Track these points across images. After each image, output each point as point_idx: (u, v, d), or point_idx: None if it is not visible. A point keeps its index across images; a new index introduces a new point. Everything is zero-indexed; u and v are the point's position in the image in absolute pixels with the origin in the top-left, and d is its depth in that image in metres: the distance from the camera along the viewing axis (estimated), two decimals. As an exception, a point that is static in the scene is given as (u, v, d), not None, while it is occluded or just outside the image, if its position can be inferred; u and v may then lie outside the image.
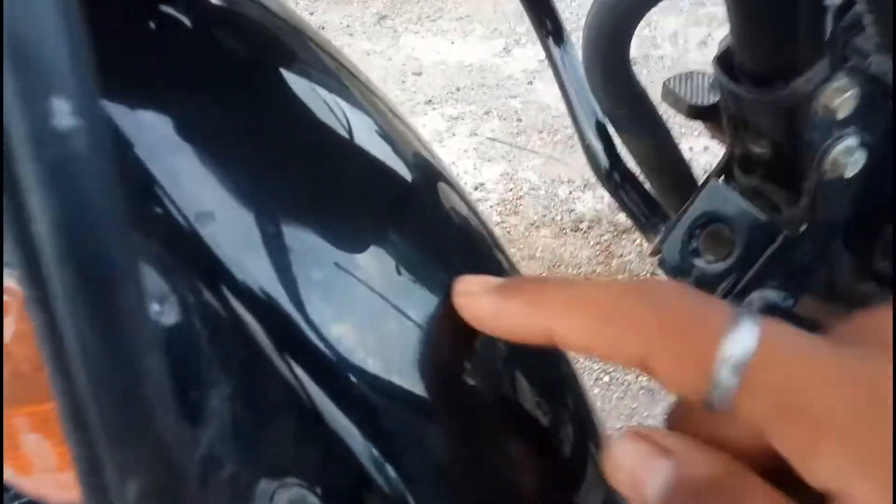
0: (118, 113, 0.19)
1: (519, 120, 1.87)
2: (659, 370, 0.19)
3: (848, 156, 0.45)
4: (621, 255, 1.39)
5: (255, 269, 0.19)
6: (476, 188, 1.62)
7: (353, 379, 0.22)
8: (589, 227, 1.48)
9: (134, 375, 0.11)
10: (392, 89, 2.07)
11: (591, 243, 1.44)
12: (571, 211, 1.52)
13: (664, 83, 0.85)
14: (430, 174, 0.28)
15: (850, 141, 0.46)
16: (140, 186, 0.18)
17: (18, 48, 0.10)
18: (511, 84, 2.05)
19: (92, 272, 0.11)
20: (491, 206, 1.57)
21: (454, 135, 1.84)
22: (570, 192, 1.59)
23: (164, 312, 0.17)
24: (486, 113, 1.93)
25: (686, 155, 1.66)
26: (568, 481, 0.29)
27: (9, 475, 0.21)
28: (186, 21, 0.25)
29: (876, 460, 0.16)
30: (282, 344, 0.19)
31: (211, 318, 0.18)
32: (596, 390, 1.13)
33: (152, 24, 0.23)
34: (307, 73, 0.27)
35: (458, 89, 2.05)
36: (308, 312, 0.20)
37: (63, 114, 0.10)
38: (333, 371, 0.21)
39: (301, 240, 0.21)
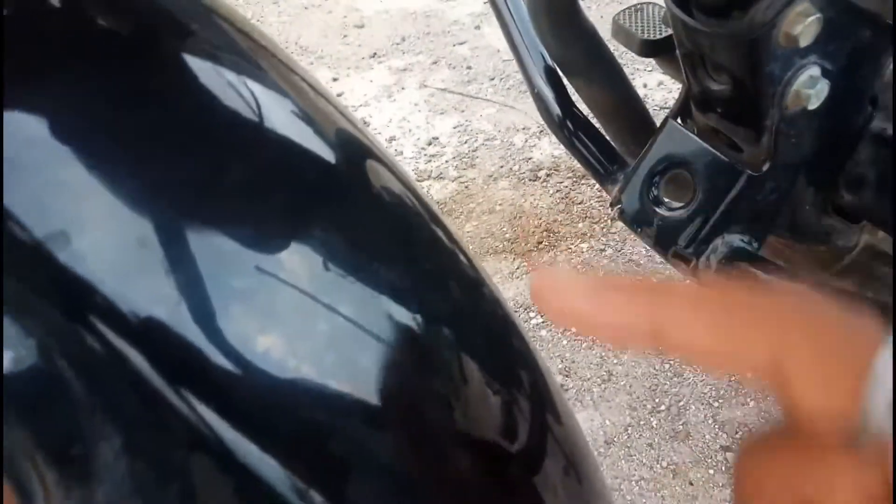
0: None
1: (469, 67, 1.81)
2: (797, 383, 0.15)
3: (811, 86, 0.43)
4: (582, 202, 1.38)
5: (137, 290, 0.16)
6: (430, 143, 1.58)
7: (281, 398, 0.19)
8: (548, 175, 1.45)
9: None
10: (334, 44, 1.99)
11: (551, 192, 1.41)
12: (529, 159, 1.49)
13: (614, 19, 0.81)
14: (356, 153, 0.24)
15: (813, 70, 0.43)
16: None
17: None
18: (458, 30, 1.98)
19: None
20: (447, 161, 1.53)
21: (403, 88, 1.78)
22: (526, 140, 1.55)
23: (19, 360, 0.14)
24: (435, 63, 1.86)
25: (641, 92, 1.63)
26: (529, 457, 0.27)
27: None
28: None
29: None
30: (177, 376, 0.16)
31: (83, 358, 0.15)
32: (565, 342, 1.12)
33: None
34: (206, 52, 0.23)
35: (404, 39, 1.97)
36: (210, 330, 0.17)
37: None
38: (252, 397, 0.18)
39: (199, 246, 0.18)
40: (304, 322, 0.21)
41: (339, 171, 0.23)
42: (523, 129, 1.58)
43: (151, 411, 0.16)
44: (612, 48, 0.71)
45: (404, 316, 0.23)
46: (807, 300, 0.16)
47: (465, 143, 1.57)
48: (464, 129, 1.61)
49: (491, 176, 1.47)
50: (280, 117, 0.22)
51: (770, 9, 0.39)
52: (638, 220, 0.54)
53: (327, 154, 0.23)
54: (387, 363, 0.22)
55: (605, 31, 0.74)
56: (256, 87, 0.22)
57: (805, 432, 0.16)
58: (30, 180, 0.15)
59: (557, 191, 1.41)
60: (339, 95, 1.78)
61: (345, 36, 2.03)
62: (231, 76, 0.22)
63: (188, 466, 0.16)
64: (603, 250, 1.26)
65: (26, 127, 0.16)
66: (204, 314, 0.17)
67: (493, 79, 1.75)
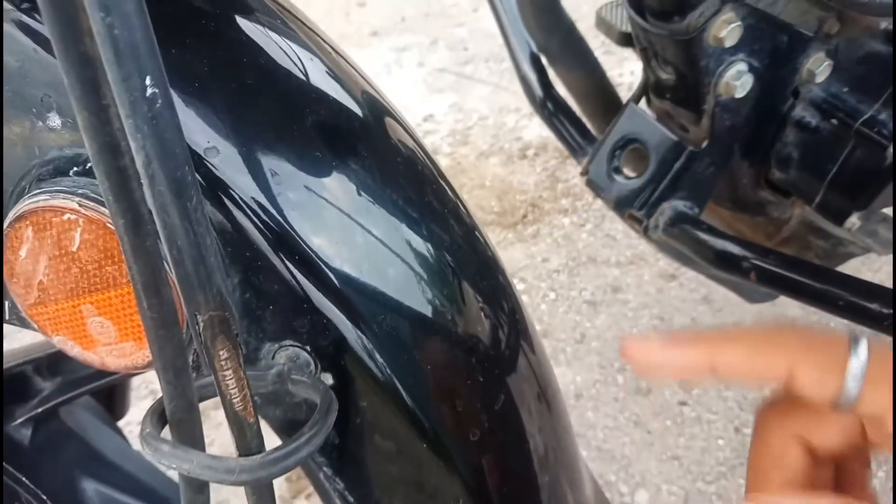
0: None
1: (465, 49, 1.90)
2: (803, 379, 0.25)
3: (737, 78, 0.53)
4: (566, 181, 1.47)
5: (249, 189, 0.26)
6: (425, 119, 1.67)
7: (331, 276, 0.29)
8: (535, 155, 1.55)
9: (200, 249, 0.18)
10: (337, 22, 2.07)
11: (538, 170, 1.51)
12: (519, 139, 1.59)
13: (597, 11, 0.90)
14: (378, 110, 0.34)
15: (740, 66, 0.53)
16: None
17: (117, 46, 0.16)
18: (456, 12, 2.06)
19: (172, 184, 0.17)
20: (441, 138, 1.63)
21: (402, 67, 1.86)
22: (518, 121, 1.65)
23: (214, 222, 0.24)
24: (433, 43, 1.95)
25: (629, 78, 1.72)
26: (504, 367, 0.36)
27: (75, 352, 0.28)
28: None
29: None
30: (274, 246, 0.26)
31: (220, 225, 0.25)
32: (543, 307, 1.23)
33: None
34: (270, 25, 0.33)
35: (404, 19, 2.06)
36: (292, 224, 0.27)
37: (149, 87, 0.16)
38: (316, 269, 0.28)
39: (279, 167, 0.28)
40: (344, 232, 0.30)
41: (368, 124, 0.32)
42: (515, 110, 1.67)
43: (258, 263, 0.26)
44: (600, 38, 0.80)
45: (417, 241, 0.33)
46: (797, 329, 0.27)
47: (460, 121, 1.66)
48: (459, 107, 1.70)
49: (482, 153, 1.56)
50: (323, 78, 0.32)
51: (702, 16, 0.49)
52: (601, 187, 0.64)
53: (359, 110, 0.33)
54: (405, 276, 0.31)
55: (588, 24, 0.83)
56: (310, 60, 0.32)
57: (805, 403, 0.27)
58: (196, 120, 0.25)
59: (544, 169, 1.51)
60: (341, 72, 1.87)
61: (347, 14, 2.11)
62: (287, 45, 0.32)
63: (279, 301, 0.26)
64: (583, 225, 1.36)
65: (190, 86, 0.26)
66: (288, 212, 0.27)
67: (488, 61, 1.84)
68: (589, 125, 0.76)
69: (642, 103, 0.67)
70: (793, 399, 0.28)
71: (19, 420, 0.47)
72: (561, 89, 0.75)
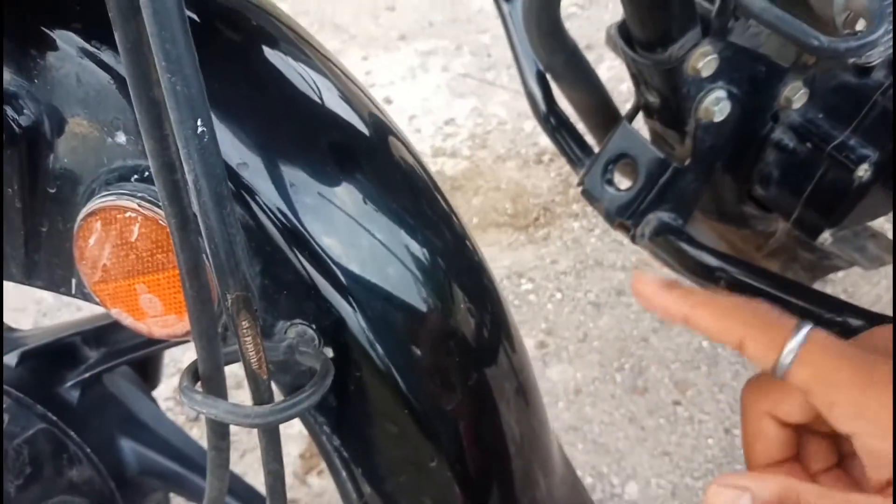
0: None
1: (489, 55, 1.96)
2: (750, 349, 0.31)
3: (716, 104, 0.58)
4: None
5: (272, 196, 0.32)
6: (447, 123, 1.73)
7: (335, 268, 0.35)
8: (550, 160, 1.60)
9: (231, 245, 0.24)
10: (366, 25, 2.14)
11: (552, 175, 1.57)
12: (535, 144, 1.64)
13: (607, 29, 0.96)
14: (382, 130, 0.40)
15: (719, 93, 0.59)
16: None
17: (177, 98, 0.23)
18: (482, 18, 2.12)
19: (213, 197, 0.23)
20: (461, 141, 1.69)
21: (427, 71, 1.93)
22: (535, 127, 1.70)
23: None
24: (458, 48, 2.01)
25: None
26: (483, 356, 0.41)
27: (128, 322, 0.35)
28: (199, 19, 0.36)
29: (870, 410, 0.28)
30: (289, 242, 0.32)
31: (246, 224, 0.31)
32: (549, 306, 1.28)
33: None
34: (291, 53, 0.39)
35: (431, 24, 2.12)
36: (305, 225, 0.34)
37: (199, 126, 0.23)
38: (323, 262, 0.34)
39: (297, 178, 0.34)
40: (348, 232, 0.36)
41: (373, 142, 0.39)
42: (533, 116, 1.73)
43: (276, 256, 0.32)
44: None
45: (414, 246, 0.39)
46: (761, 306, 0.32)
47: (480, 125, 1.72)
48: (479, 112, 1.76)
49: (500, 157, 1.62)
50: (333, 100, 0.38)
51: (681, 48, 0.54)
52: (595, 197, 0.70)
53: (366, 130, 0.39)
54: (403, 277, 0.37)
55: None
56: (324, 85, 0.38)
57: (774, 381, 0.32)
58: (226, 140, 0.32)
59: (558, 174, 1.56)
60: (367, 73, 1.94)
61: (377, 17, 2.18)
62: (305, 71, 0.38)
63: (292, 287, 0.33)
64: (592, 230, 1.41)
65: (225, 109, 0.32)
66: (302, 214, 0.34)
67: (510, 67, 1.90)
68: (592, 138, 0.81)
69: (641, 120, 0.73)
70: (764, 378, 0.33)
71: (69, 383, 0.54)
72: (565, 106, 0.81)
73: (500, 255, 1.39)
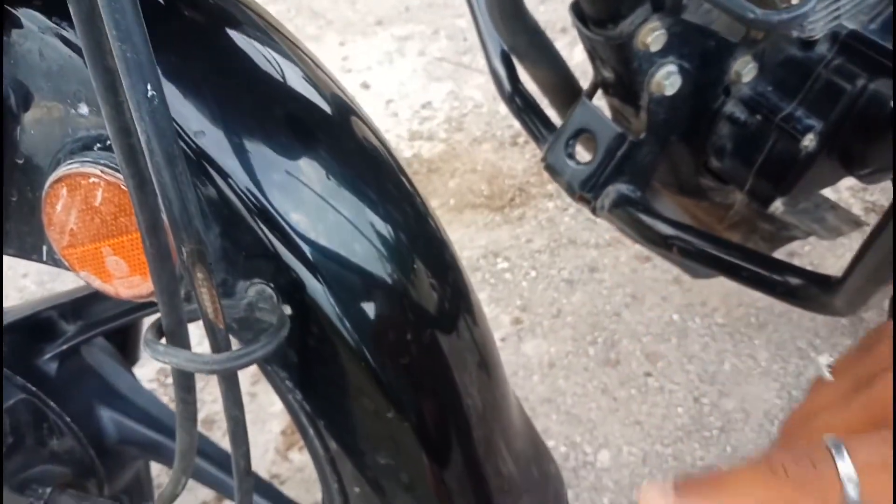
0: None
1: (465, 39, 1.97)
2: None
3: (666, 78, 0.61)
4: (554, 166, 1.55)
5: (228, 162, 0.34)
6: (423, 106, 1.75)
7: (288, 228, 0.37)
8: (526, 142, 1.63)
9: (184, 200, 0.27)
10: (343, 10, 2.14)
11: (527, 157, 1.59)
12: (510, 126, 1.66)
13: (569, 7, 0.98)
14: (345, 110, 0.42)
15: (670, 68, 0.61)
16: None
17: (128, 65, 0.25)
18: (458, 2, 2.13)
19: (165, 156, 0.25)
20: (437, 124, 1.70)
21: (404, 55, 1.94)
22: (511, 109, 1.72)
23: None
24: (435, 32, 2.02)
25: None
26: (441, 323, 0.43)
27: (97, 284, 0.37)
28: (172, 8, 0.38)
29: None
30: (246, 205, 0.35)
31: (206, 190, 0.34)
32: (524, 284, 1.31)
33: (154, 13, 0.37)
34: (255, 36, 0.41)
35: (408, 9, 2.13)
36: (261, 188, 0.36)
37: (149, 90, 0.25)
38: (277, 222, 0.36)
39: (252, 146, 0.36)
40: (308, 201, 0.38)
41: (334, 120, 0.41)
42: (509, 99, 1.75)
43: (236, 220, 0.35)
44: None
45: (377, 222, 0.41)
46: (786, 459, 0.27)
47: (456, 108, 1.74)
48: (455, 95, 1.78)
49: (476, 139, 1.64)
50: (298, 83, 0.40)
51: (631, 24, 0.56)
52: (557, 171, 0.72)
53: (328, 108, 0.41)
54: (367, 252, 0.39)
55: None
56: (287, 65, 0.40)
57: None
58: (185, 106, 0.34)
59: (533, 156, 1.58)
60: (344, 59, 1.94)
61: (353, 3, 2.18)
62: (276, 59, 0.40)
63: (252, 250, 0.35)
64: (566, 209, 1.44)
65: (181, 81, 0.34)
66: (252, 179, 0.36)
67: (486, 51, 1.91)
68: (556, 115, 0.83)
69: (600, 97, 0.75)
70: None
71: (47, 356, 0.56)
72: (532, 88, 0.83)
73: (476, 236, 1.42)
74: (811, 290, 0.55)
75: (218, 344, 0.31)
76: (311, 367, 0.39)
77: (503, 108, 1.84)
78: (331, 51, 1.97)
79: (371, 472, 0.44)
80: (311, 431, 0.44)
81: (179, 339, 0.32)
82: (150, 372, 1.19)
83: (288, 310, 0.37)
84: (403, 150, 1.64)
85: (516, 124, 1.69)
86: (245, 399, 1.19)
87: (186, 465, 0.40)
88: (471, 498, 0.47)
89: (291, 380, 0.39)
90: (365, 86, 1.84)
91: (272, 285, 0.36)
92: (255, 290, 0.36)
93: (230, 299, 0.36)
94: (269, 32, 0.42)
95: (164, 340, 0.33)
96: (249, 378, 1.18)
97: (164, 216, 0.29)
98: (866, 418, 0.28)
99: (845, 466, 0.26)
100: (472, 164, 1.57)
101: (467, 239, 1.41)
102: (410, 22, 2.07)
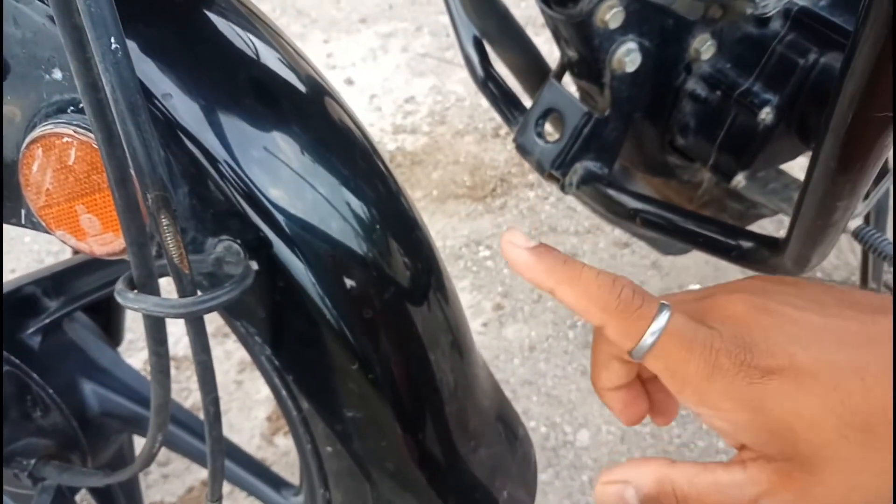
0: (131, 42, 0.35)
1: (448, 35, 1.99)
2: (610, 334, 0.31)
3: (627, 55, 0.63)
4: (536, 157, 1.58)
5: (194, 124, 0.36)
6: (407, 101, 1.77)
7: (253, 186, 0.39)
8: (507, 134, 1.65)
9: (147, 149, 0.29)
10: (327, 9, 2.16)
11: (509, 148, 1.61)
12: (492, 119, 1.69)
13: None
14: (320, 91, 0.44)
15: (630, 45, 0.63)
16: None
17: (93, 19, 0.27)
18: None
19: (128, 105, 0.28)
20: (421, 118, 1.73)
21: (387, 52, 1.96)
22: (493, 102, 1.75)
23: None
24: (418, 29, 2.05)
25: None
26: (411, 296, 0.45)
27: (72, 242, 0.39)
28: None
29: (711, 398, 0.29)
30: (212, 164, 0.37)
31: (173, 150, 0.36)
32: (506, 271, 1.33)
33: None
34: (230, 18, 0.43)
35: (391, 7, 2.15)
36: (230, 148, 0.38)
37: (113, 43, 0.27)
38: (242, 180, 0.38)
39: (218, 110, 0.38)
40: (274, 161, 0.41)
41: (311, 99, 0.43)
42: (491, 92, 1.77)
43: (203, 181, 0.37)
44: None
45: (350, 198, 0.43)
46: (618, 285, 0.31)
47: (439, 102, 1.76)
48: (438, 90, 1.80)
49: (458, 132, 1.67)
50: (271, 60, 0.42)
51: (590, 2, 0.59)
52: (528, 150, 0.75)
53: (304, 89, 0.43)
54: (342, 227, 0.41)
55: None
56: (261, 43, 0.42)
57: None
58: (153, 74, 0.36)
59: (514, 148, 1.61)
60: (328, 56, 1.96)
61: (338, 1, 2.20)
62: (250, 38, 0.42)
63: (220, 209, 0.37)
64: (546, 198, 1.47)
65: (142, 57, 0.36)
66: (220, 138, 0.38)
67: (469, 46, 1.94)
68: (527, 97, 0.86)
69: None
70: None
71: (31, 330, 0.58)
72: (501, 69, 0.85)
73: (459, 225, 1.44)
74: (762, 252, 0.57)
75: (184, 289, 0.33)
76: (278, 322, 0.41)
77: (485, 102, 1.87)
78: (315, 48, 1.99)
79: (340, 427, 0.46)
80: (283, 392, 0.46)
81: (149, 291, 0.34)
82: (137, 363, 1.20)
83: (255, 265, 0.39)
84: (387, 143, 1.66)
85: (498, 117, 1.72)
86: (231, 387, 1.20)
87: (162, 420, 0.42)
88: (438, 451, 0.49)
89: (260, 335, 0.41)
90: (349, 81, 1.86)
91: (239, 241, 0.38)
92: (223, 246, 0.38)
93: (199, 255, 0.38)
94: (247, 16, 0.44)
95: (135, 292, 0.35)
96: (236, 366, 1.20)
97: (132, 171, 0.31)
98: (699, 316, 0.32)
99: (658, 323, 0.30)
100: (454, 156, 1.60)
101: (450, 228, 1.43)
102: (394, 19, 2.09)
